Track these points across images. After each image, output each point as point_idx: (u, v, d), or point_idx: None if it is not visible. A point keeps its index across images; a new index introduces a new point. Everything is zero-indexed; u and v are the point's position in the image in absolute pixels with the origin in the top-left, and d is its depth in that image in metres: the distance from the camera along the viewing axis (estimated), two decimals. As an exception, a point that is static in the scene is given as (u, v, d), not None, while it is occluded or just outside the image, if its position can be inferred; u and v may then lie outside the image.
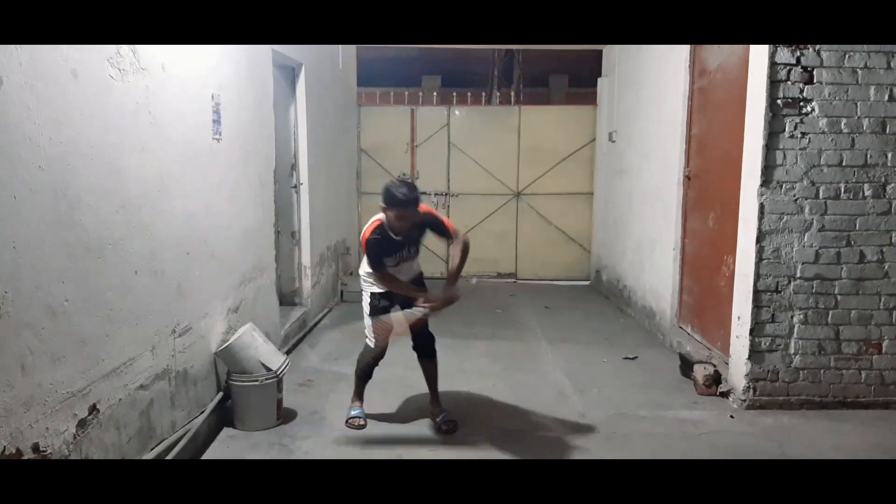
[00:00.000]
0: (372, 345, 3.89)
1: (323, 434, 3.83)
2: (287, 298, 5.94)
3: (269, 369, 3.87)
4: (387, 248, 3.63)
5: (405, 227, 3.58)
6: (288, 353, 5.08)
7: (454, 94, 9.06)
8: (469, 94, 9.43)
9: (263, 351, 3.95)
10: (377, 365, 3.97)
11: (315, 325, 6.19)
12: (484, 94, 10.17)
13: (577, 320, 6.69)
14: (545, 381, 4.80)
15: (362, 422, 3.93)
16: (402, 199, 3.50)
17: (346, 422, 3.94)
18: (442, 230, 3.73)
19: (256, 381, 3.81)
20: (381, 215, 3.61)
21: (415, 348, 3.92)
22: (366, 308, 3.88)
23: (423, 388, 4.04)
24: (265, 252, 4.87)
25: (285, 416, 4.01)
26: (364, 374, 4.02)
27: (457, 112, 8.81)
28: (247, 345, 3.89)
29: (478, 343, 5.70)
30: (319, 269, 6.53)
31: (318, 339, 5.80)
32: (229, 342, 3.84)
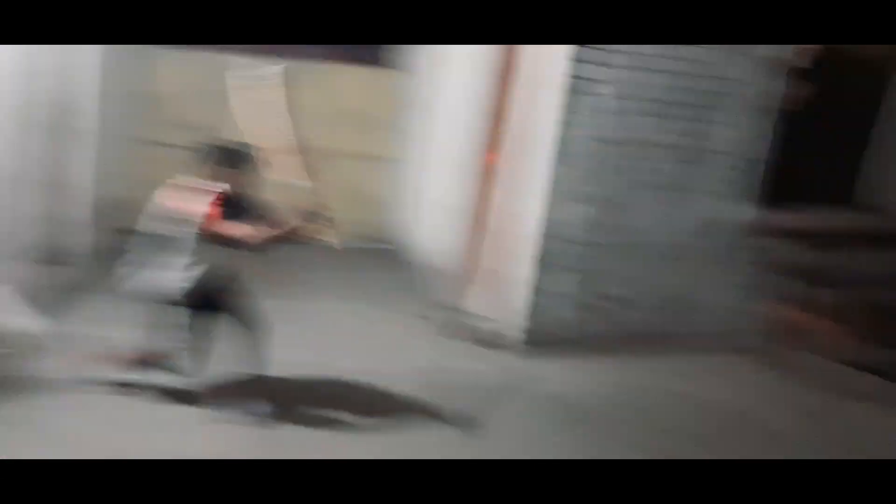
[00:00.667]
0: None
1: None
2: (56, 257, 5.24)
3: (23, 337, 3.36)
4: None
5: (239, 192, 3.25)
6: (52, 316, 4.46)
7: (263, 47, 8.51)
8: (276, 49, 8.92)
9: (19, 318, 3.43)
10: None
11: (83, 286, 5.53)
12: (298, 50, 9.69)
13: (369, 280, 6.72)
14: (337, 340, 4.79)
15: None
16: (242, 154, 3.31)
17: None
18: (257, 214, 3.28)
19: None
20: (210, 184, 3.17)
21: (234, 322, 3.42)
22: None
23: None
24: (23, 205, 4.22)
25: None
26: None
27: (266, 66, 8.28)
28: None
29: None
30: (95, 228, 5.85)
31: (85, 302, 5.15)
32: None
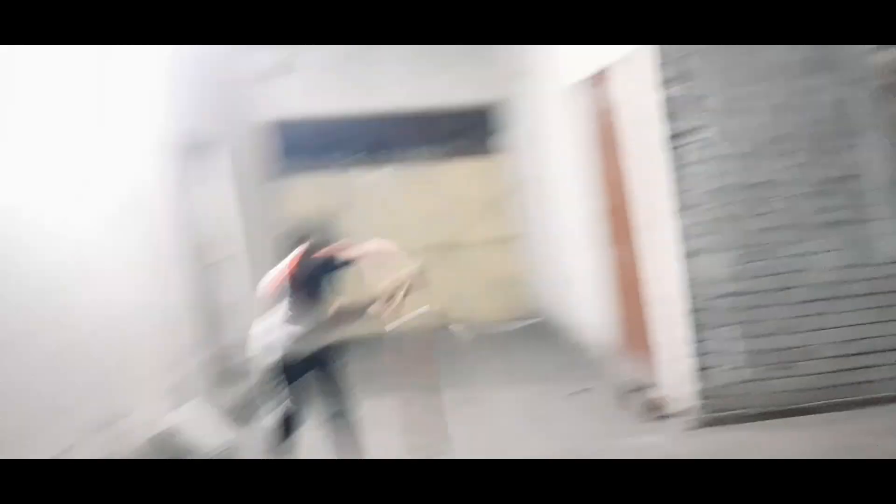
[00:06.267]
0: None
1: None
2: (231, 372, 5.75)
3: (211, 449, 3.70)
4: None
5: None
6: (242, 422, 4.88)
7: (379, 156, 9.16)
8: (390, 156, 9.54)
9: (204, 429, 3.79)
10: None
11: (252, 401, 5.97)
12: (404, 155, 10.34)
13: (519, 362, 6.69)
14: (495, 426, 4.75)
15: None
16: (314, 228, 3.55)
17: None
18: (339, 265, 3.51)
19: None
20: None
21: (329, 418, 3.61)
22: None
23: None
24: (198, 329, 4.73)
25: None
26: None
27: (381, 174, 8.89)
28: (186, 425, 3.73)
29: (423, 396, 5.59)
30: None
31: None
32: (167, 426, 3.67)
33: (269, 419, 3.58)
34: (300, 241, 3.48)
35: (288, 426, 3.55)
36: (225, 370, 5.72)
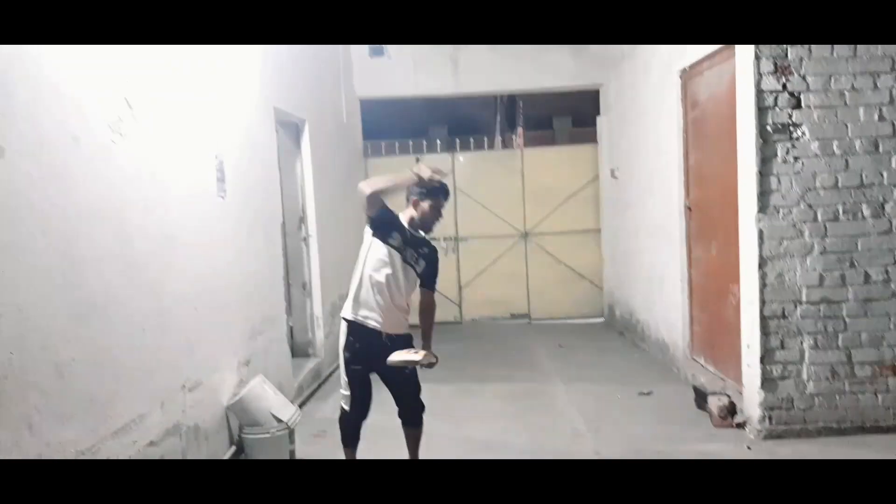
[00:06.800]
0: (347, 407, 3.53)
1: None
2: (301, 349, 5.99)
3: (280, 421, 3.89)
4: (393, 229, 3.41)
5: (435, 219, 3.50)
6: (302, 404, 5.10)
7: (457, 140, 9.23)
8: (472, 140, 9.60)
9: (274, 403, 3.99)
10: (360, 425, 3.59)
11: (329, 375, 6.21)
12: (487, 139, 10.34)
13: (591, 358, 6.64)
14: (560, 420, 4.77)
15: None
16: (439, 185, 3.46)
17: None
18: (429, 273, 3.51)
19: (268, 433, 3.84)
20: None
21: (400, 415, 3.61)
22: (340, 355, 3.49)
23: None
24: (275, 304, 4.95)
25: (298, 467, 4.02)
26: (349, 440, 3.60)
27: (461, 158, 8.95)
28: (257, 397, 3.92)
29: (492, 385, 5.68)
30: (332, 320, 6.58)
31: (333, 390, 5.80)
32: (239, 395, 3.88)
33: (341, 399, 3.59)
34: (440, 194, 3.47)
35: (350, 410, 3.55)
36: (300, 345, 5.98)
